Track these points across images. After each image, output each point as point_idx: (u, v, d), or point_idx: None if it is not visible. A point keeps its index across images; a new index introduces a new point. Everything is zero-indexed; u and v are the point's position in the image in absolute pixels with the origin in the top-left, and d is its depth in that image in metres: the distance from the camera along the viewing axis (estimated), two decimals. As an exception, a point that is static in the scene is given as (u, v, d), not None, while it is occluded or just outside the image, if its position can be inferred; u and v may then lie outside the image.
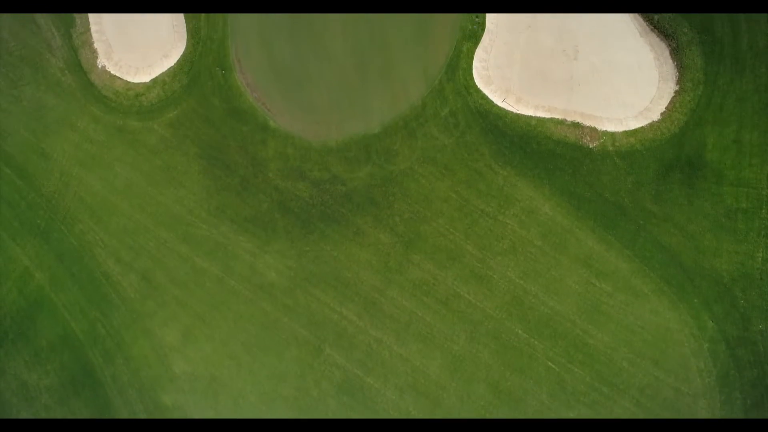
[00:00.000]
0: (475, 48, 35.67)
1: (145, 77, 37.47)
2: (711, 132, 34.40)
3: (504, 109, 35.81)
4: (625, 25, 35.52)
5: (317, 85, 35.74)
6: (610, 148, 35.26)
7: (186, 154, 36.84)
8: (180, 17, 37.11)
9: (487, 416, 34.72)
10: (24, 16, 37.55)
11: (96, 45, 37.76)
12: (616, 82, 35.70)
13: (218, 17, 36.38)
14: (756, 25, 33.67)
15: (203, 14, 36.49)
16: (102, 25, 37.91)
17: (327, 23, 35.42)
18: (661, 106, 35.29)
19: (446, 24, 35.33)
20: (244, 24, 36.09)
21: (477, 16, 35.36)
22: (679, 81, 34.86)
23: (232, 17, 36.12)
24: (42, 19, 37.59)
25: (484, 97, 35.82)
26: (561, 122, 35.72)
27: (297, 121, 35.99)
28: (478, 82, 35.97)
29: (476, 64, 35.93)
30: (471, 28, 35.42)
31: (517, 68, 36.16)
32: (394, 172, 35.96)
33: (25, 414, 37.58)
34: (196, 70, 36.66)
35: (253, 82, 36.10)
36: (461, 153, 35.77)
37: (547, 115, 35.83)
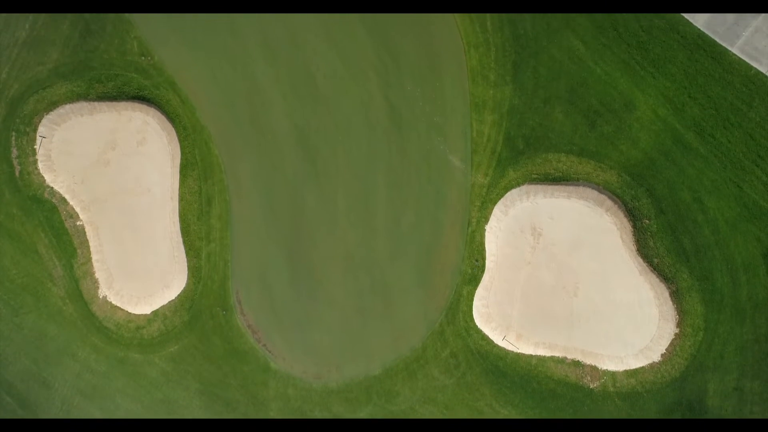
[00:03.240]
0: (475, 290, 35.66)
1: (146, 308, 37.48)
2: (712, 378, 34.40)
3: (504, 349, 35.82)
4: (624, 264, 35.55)
5: (318, 328, 35.82)
6: (611, 389, 35.25)
7: (187, 389, 36.87)
8: (180, 249, 37.18)
9: None
10: (26, 245, 37.65)
11: (97, 275, 37.76)
12: (616, 320, 35.72)
13: (218, 259, 36.47)
14: (755, 277, 33.73)
15: (204, 253, 36.52)
16: (103, 254, 37.96)
17: (327, 268, 35.55)
18: (662, 346, 35.30)
19: (446, 269, 35.42)
20: (244, 266, 36.17)
21: (477, 260, 35.45)
22: (680, 324, 34.86)
23: (233, 258, 36.20)
24: (44, 248, 37.69)
25: (484, 337, 35.83)
26: (561, 361, 35.72)
27: (298, 362, 36.06)
28: (478, 320, 35.98)
29: (476, 303, 35.93)
30: (470, 272, 35.47)
31: (517, 305, 36.19)
32: (395, 412, 35.96)
33: None
34: (197, 309, 36.67)
35: (254, 324, 36.14)
36: (462, 393, 35.77)
37: (548, 353, 35.85)
